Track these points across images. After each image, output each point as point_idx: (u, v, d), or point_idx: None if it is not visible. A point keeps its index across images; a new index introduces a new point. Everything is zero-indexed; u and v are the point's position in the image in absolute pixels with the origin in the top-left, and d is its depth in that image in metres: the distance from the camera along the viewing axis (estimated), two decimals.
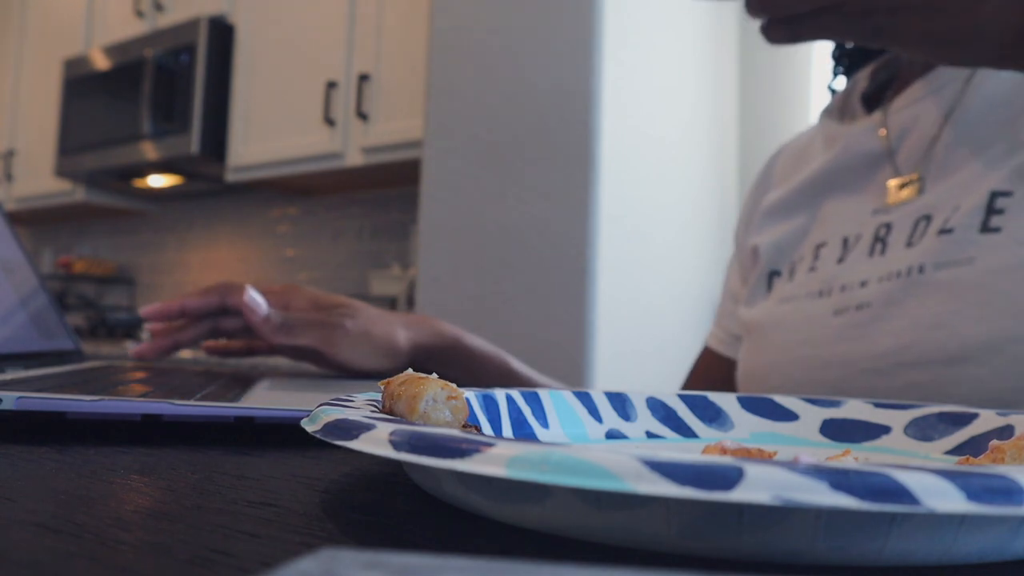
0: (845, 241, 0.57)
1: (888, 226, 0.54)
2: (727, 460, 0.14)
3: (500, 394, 0.33)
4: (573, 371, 1.42)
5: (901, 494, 0.14)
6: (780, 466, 0.14)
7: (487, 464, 0.16)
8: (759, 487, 0.14)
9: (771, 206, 0.65)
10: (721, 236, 1.94)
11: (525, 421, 0.33)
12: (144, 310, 0.60)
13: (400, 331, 0.60)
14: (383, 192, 2.62)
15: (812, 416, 0.35)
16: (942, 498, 0.14)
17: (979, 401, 0.44)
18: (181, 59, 2.57)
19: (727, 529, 0.16)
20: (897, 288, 0.50)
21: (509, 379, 0.64)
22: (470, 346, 0.63)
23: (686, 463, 0.14)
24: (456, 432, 0.18)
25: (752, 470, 0.14)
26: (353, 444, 0.19)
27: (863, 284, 0.53)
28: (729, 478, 0.14)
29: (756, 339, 0.61)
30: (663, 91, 1.73)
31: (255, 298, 0.57)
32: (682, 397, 0.36)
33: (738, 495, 0.14)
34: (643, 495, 0.16)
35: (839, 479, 0.14)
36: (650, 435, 0.35)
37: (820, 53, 1.92)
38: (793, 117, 1.97)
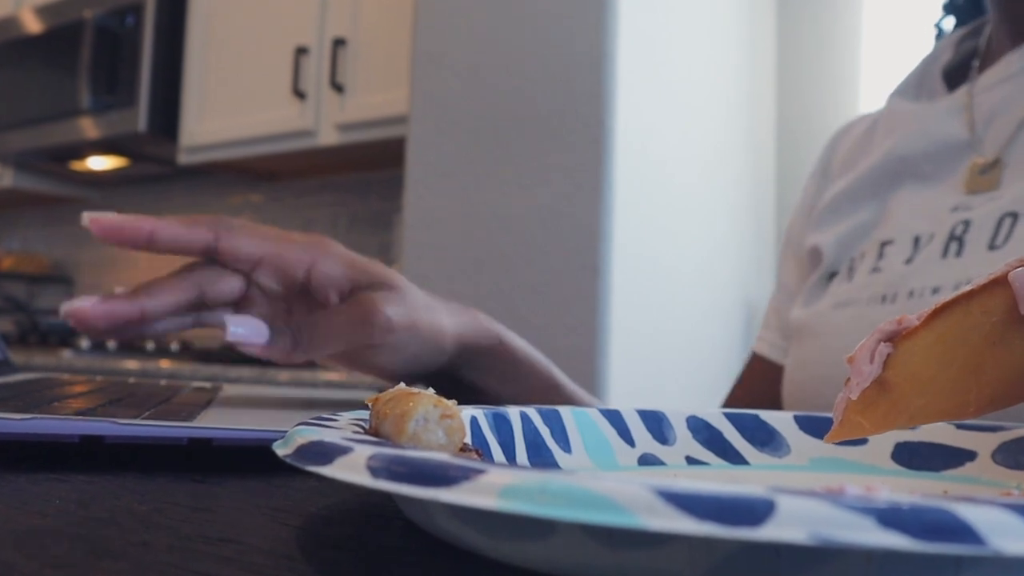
0: (916, 240, 0.56)
1: (967, 223, 0.53)
2: (755, 490, 0.14)
3: (513, 412, 0.33)
4: (584, 383, 1.42)
5: (963, 533, 0.14)
6: (819, 498, 0.14)
7: (476, 494, 0.16)
8: (793, 523, 0.14)
9: (834, 199, 0.65)
10: (756, 224, 1.94)
11: (543, 444, 0.33)
12: (95, 221, 0.46)
13: (446, 321, 0.53)
14: (362, 176, 2.62)
15: (883, 439, 0.35)
16: (1013, 538, 0.14)
17: None
18: (126, 21, 2.57)
19: (761, 572, 0.16)
20: None
21: (551, 395, 0.58)
22: (513, 348, 0.57)
23: (707, 494, 0.14)
24: (444, 456, 0.18)
25: (785, 503, 0.14)
26: (326, 470, 0.20)
27: (936, 291, 0.53)
28: (757, 512, 0.14)
29: (807, 346, 0.61)
30: (688, 59, 1.73)
31: (239, 331, 0.45)
32: (729, 416, 0.36)
33: (768, 533, 0.14)
34: (659, 532, 0.16)
35: (889, 514, 0.14)
36: (691, 461, 0.35)
37: (869, 29, 1.92)
38: (838, 87, 1.97)
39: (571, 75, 1.54)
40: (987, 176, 0.54)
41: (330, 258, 0.49)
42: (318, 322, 0.47)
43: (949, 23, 0.73)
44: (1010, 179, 0.53)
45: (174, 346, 2.50)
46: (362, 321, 0.47)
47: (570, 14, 1.55)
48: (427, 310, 0.51)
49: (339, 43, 2.21)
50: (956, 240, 0.53)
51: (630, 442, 0.35)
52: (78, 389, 0.55)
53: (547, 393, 0.58)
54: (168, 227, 0.46)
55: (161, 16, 2.54)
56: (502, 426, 0.32)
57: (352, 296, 0.49)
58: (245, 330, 0.45)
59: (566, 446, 0.34)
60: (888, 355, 0.25)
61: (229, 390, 0.59)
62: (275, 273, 0.49)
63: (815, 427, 0.36)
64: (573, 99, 1.54)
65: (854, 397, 0.25)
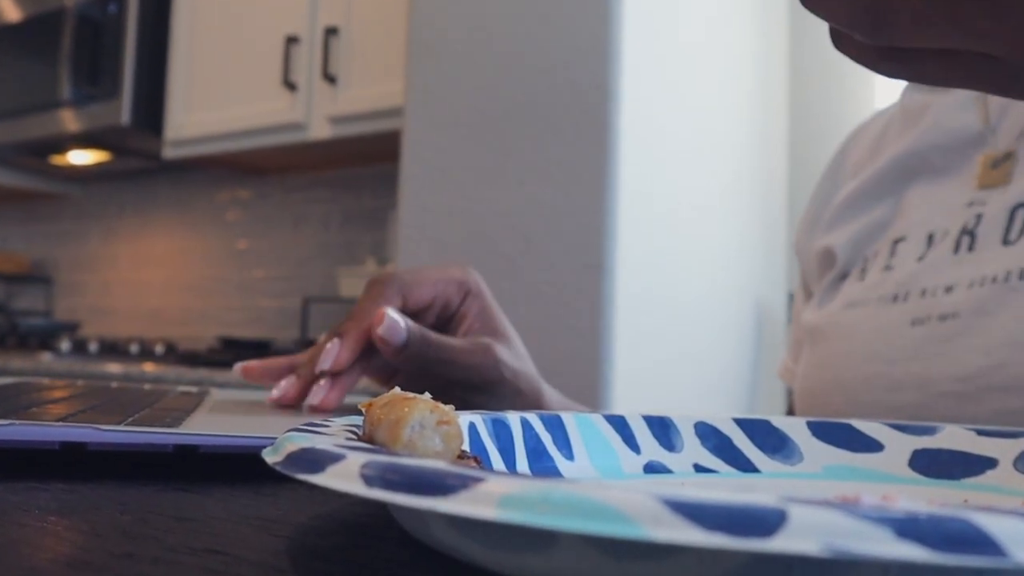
0: (930, 237, 0.57)
1: (979, 217, 0.54)
2: (767, 500, 0.14)
3: (514, 418, 0.34)
4: (587, 386, 1.42)
5: (983, 544, 0.14)
6: (833, 508, 0.14)
7: (475, 503, 0.16)
8: (806, 534, 0.14)
9: (847, 198, 0.65)
10: (767, 222, 1.94)
11: (545, 451, 0.33)
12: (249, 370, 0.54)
13: (543, 386, 0.58)
14: (355, 171, 2.62)
15: (900, 446, 0.35)
16: None
17: None
18: (109, 9, 2.57)
19: None
20: (990, 296, 0.50)
21: None
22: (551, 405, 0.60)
23: (716, 504, 0.14)
24: (441, 464, 0.18)
25: (798, 513, 0.14)
26: (317, 479, 0.19)
27: (948, 290, 0.53)
28: (769, 523, 0.14)
29: (818, 349, 0.61)
30: (697, 50, 1.73)
31: (394, 323, 0.49)
32: (739, 422, 0.37)
33: (779, 544, 0.14)
34: (666, 544, 0.16)
35: (907, 525, 0.14)
36: (699, 468, 0.35)
37: None
38: (853, 83, 1.97)
39: (574, 66, 1.54)
40: (999, 170, 0.55)
41: (477, 298, 0.56)
42: (444, 343, 0.51)
43: None
44: (1022, 171, 0.53)
45: (159, 349, 2.50)
46: (481, 359, 0.52)
47: (573, 5, 1.55)
48: (535, 376, 0.57)
49: (331, 32, 2.21)
50: (968, 234, 0.54)
51: (635, 449, 0.35)
52: (58, 394, 0.55)
53: None
54: (373, 312, 0.50)
55: (145, 4, 2.54)
56: (502, 432, 0.32)
57: (470, 335, 0.55)
58: (400, 323, 0.48)
59: (568, 453, 0.34)
60: None
61: (216, 395, 0.59)
62: (438, 311, 0.55)
63: (829, 434, 0.36)
64: (575, 91, 1.54)
65: None
